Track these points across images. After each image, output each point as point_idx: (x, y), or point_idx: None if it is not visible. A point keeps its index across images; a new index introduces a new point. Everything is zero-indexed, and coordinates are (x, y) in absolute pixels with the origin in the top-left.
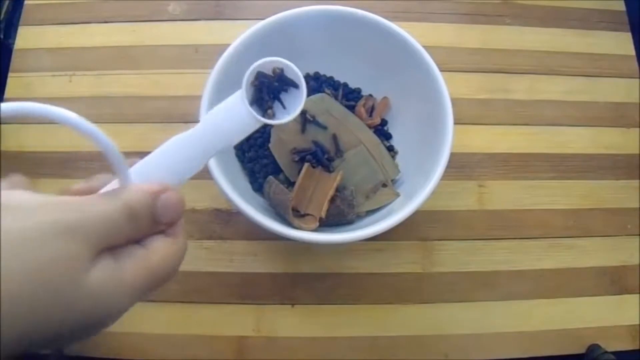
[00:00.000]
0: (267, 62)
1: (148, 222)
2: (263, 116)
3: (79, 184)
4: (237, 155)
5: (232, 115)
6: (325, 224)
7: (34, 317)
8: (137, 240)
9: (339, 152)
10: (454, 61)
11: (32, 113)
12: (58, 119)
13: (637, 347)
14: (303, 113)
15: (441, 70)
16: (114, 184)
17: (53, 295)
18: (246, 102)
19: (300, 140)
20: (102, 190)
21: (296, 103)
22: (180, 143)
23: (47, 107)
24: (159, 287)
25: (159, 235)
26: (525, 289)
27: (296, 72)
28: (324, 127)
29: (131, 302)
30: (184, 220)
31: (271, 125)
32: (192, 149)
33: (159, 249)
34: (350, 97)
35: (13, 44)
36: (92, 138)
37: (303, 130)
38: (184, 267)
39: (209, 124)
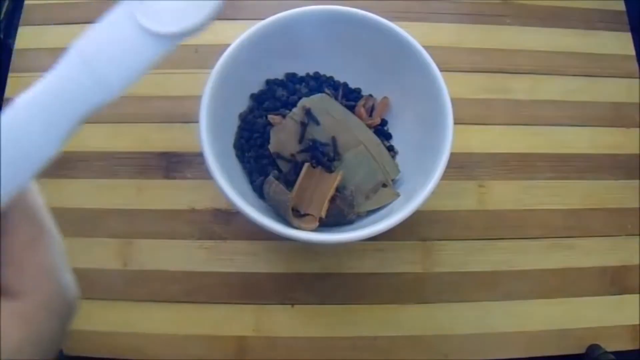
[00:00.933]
0: None
1: None
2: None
3: None
4: (237, 156)
5: (113, 39)
6: (325, 224)
7: None
8: None
9: (337, 155)
10: (454, 61)
11: None
12: None
13: (637, 347)
14: (304, 113)
15: (441, 70)
16: None
17: None
18: (138, 11)
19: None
20: None
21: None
22: (26, 107)
23: None
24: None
25: None
26: (525, 289)
27: None
28: (317, 123)
29: None
30: (184, 220)
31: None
32: (45, 115)
33: None
34: (350, 97)
35: (13, 44)
36: None
37: (303, 132)
38: (184, 267)
39: (78, 60)
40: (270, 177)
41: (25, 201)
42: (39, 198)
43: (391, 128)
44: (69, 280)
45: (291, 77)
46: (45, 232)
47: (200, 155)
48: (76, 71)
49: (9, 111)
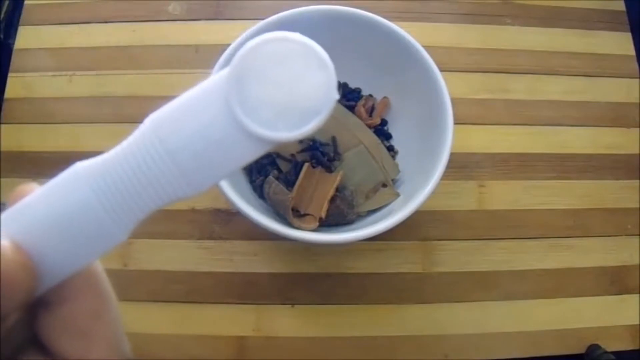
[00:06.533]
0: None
1: None
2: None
3: None
4: None
5: (203, 133)
6: (325, 224)
7: None
8: None
9: (337, 155)
10: (454, 61)
11: None
12: None
13: (637, 347)
14: None
15: (441, 70)
16: None
17: None
18: (235, 102)
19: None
20: None
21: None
22: (86, 183)
23: None
24: None
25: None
26: (525, 289)
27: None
28: None
29: None
30: (184, 220)
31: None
32: (102, 201)
33: None
34: (350, 97)
35: (13, 44)
36: None
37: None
38: (184, 267)
39: (152, 145)
40: (270, 177)
41: (89, 269)
42: (100, 265)
43: (391, 128)
44: (128, 349)
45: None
46: (108, 302)
47: None
48: (158, 159)
49: (73, 184)
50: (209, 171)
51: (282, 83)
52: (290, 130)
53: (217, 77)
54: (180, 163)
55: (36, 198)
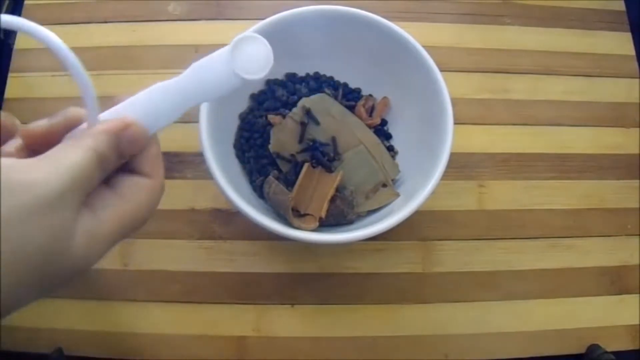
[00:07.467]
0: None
1: (115, 160)
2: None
3: (41, 125)
4: (237, 156)
5: (216, 71)
6: (325, 224)
7: (28, 287)
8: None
9: (337, 155)
10: (454, 61)
11: (17, 27)
12: (44, 40)
13: (637, 347)
14: (304, 113)
15: (441, 70)
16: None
17: (42, 271)
18: (232, 61)
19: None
20: (70, 136)
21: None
22: (163, 90)
23: (33, 25)
24: (136, 231)
25: (131, 177)
26: (525, 289)
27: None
28: (317, 123)
29: (108, 249)
30: (184, 220)
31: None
32: (172, 98)
33: (132, 196)
34: (350, 97)
35: (13, 44)
36: (72, 71)
37: (303, 131)
38: (184, 267)
39: (193, 76)
40: (270, 177)
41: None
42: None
43: (391, 128)
44: None
45: (291, 77)
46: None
47: (200, 155)
48: (191, 78)
49: (169, 86)
50: (213, 88)
51: (251, 54)
52: (254, 75)
53: (225, 48)
54: (201, 81)
55: (135, 100)
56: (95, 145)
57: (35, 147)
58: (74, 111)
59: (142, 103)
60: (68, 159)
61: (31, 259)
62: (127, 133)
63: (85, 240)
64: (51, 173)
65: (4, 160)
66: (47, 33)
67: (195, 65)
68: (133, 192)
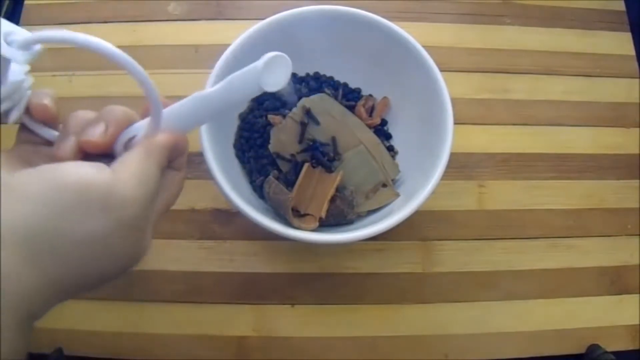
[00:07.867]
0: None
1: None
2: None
3: (100, 135)
4: (237, 156)
5: (247, 83)
6: (325, 224)
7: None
8: None
9: (337, 155)
10: (454, 61)
11: (75, 42)
12: (106, 54)
13: (637, 347)
14: (304, 113)
15: (441, 70)
16: (143, 126)
17: (125, 271)
18: (261, 76)
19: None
20: (141, 137)
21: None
22: (199, 100)
23: (92, 38)
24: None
25: (168, 170)
26: (525, 289)
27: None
28: (317, 123)
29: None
30: (184, 220)
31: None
32: (205, 107)
33: (169, 187)
34: (350, 97)
35: None
36: (138, 80)
37: (303, 132)
38: (184, 267)
39: (229, 87)
40: (270, 177)
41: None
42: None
43: (391, 128)
44: None
45: (291, 77)
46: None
47: (200, 155)
48: (227, 89)
49: (205, 97)
50: (240, 96)
51: (275, 69)
52: (273, 87)
53: (256, 64)
54: (232, 91)
55: (178, 107)
56: (160, 161)
57: (92, 152)
58: (122, 114)
59: (186, 111)
60: (146, 176)
61: (123, 264)
62: (179, 146)
63: (149, 233)
64: (138, 191)
65: (109, 172)
66: (112, 48)
67: (231, 78)
68: (169, 184)
